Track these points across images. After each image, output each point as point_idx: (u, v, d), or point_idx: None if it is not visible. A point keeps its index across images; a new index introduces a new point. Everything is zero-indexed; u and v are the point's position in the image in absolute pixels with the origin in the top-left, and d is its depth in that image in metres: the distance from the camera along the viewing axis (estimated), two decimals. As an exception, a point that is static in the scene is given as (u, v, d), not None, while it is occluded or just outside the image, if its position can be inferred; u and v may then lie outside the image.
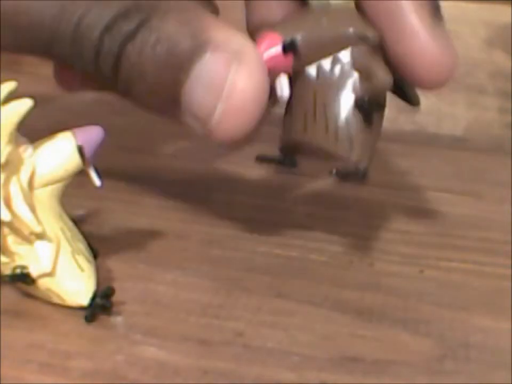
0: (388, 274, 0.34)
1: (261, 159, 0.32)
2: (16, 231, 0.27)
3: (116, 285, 0.30)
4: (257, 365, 0.26)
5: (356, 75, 0.30)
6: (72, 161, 0.28)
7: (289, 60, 0.29)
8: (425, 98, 0.57)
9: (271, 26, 0.30)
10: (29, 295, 0.29)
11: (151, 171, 0.44)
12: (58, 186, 0.28)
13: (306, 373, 0.26)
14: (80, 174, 0.29)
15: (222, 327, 0.28)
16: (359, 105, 0.30)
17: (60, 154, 0.28)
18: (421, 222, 0.39)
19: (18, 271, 0.28)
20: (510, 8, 0.55)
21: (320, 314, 0.30)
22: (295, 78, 0.30)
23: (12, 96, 0.27)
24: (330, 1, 0.31)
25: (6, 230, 0.27)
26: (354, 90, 0.30)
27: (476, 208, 0.42)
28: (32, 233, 0.27)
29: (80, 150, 0.28)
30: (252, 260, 0.33)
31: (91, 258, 0.29)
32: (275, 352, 0.27)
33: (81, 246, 0.29)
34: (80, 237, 0.30)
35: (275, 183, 0.40)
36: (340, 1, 0.31)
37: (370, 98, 0.29)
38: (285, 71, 0.30)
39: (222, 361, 0.26)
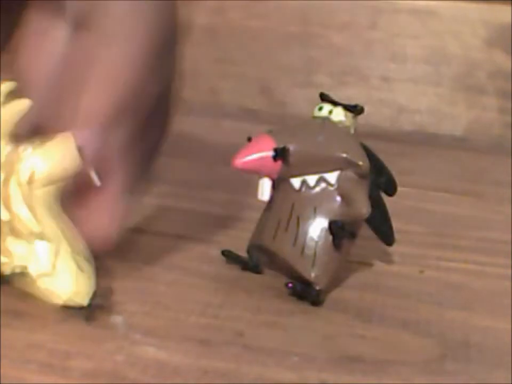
0: (388, 274, 0.34)
1: (227, 255, 0.33)
2: (15, 231, 0.27)
3: (116, 285, 0.31)
4: (257, 365, 0.26)
5: (337, 199, 0.31)
6: (72, 161, 0.28)
7: (277, 165, 0.30)
8: (425, 98, 0.57)
9: (269, 130, 0.31)
10: (29, 295, 0.29)
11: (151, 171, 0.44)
12: (58, 186, 0.28)
13: (306, 373, 0.26)
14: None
15: (222, 327, 0.28)
16: (332, 228, 0.30)
17: (60, 154, 0.28)
18: (421, 222, 0.39)
19: (17, 271, 0.28)
20: (510, 8, 0.55)
21: (320, 314, 0.30)
22: (278, 184, 0.31)
23: (12, 96, 0.27)
24: (332, 118, 0.31)
25: (5, 229, 0.27)
26: (331, 213, 0.30)
27: (476, 208, 0.42)
28: (31, 233, 0.27)
29: (80, 150, 0.28)
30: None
31: (90, 259, 0.29)
32: (275, 352, 0.27)
33: (81, 246, 0.29)
34: (80, 237, 0.30)
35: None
36: (341, 120, 0.31)
37: (345, 225, 0.30)
38: (271, 175, 0.30)
39: (222, 361, 0.26)
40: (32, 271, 0.28)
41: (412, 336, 0.29)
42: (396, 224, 0.33)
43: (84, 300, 0.28)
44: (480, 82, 0.56)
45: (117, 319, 0.28)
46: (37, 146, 0.28)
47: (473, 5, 0.56)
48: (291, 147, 0.30)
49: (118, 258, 0.33)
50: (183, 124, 0.54)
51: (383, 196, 0.33)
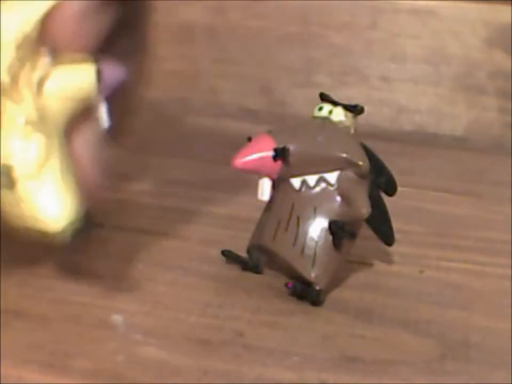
0: (388, 274, 0.34)
1: (227, 255, 0.33)
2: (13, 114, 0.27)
3: (116, 285, 0.31)
4: (257, 365, 0.26)
5: (337, 199, 0.31)
6: (88, 81, 0.28)
7: (277, 165, 0.30)
8: (425, 98, 0.57)
9: (269, 130, 0.31)
10: (29, 296, 0.29)
11: (151, 171, 0.44)
12: (68, 105, 0.28)
13: (306, 373, 0.26)
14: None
15: (222, 327, 0.28)
16: (332, 228, 0.30)
17: (78, 71, 0.28)
18: (421, 222, 0.39)
19: (3, 171, 0.27)
20: (510, 8, 0.55)
21: (320, 314, 0.30)
22: (278, 184, 0.31)
23: None
24: (332, 118, 0.32)
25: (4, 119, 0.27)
26: (331, 213, 0.30)
27: (476, 208, 0.42)
28: (28, 121, 0.27)
29: (99, 74, 0.28)
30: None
31: (78, 201, 0.28)
32: (275, 352, 0.27)
33: (70, 178, 0.28)
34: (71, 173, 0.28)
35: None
36: (341, 120, 0.31)
37: (345, 225, 0.30)
38: (271, 175, 0.30)
39: (222, 361, 0.26)
40: (18, 170, 0.27)
41: (412, 336, 0.29)
42: (396, 224, 0.33)
43: (59, 225, 0.27)
44: (480, 82, 0.56)
45: (117, 319, 0.28)
46: (57, 58, 0.28)
47: (473, 5, 0.56)
48: (291, 147, 0.30)
49: (118, 258, 0.33)
50: (183, 123, 0.54)
51: (383, 195, 0.33)
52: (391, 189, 0.33)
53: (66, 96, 0.28)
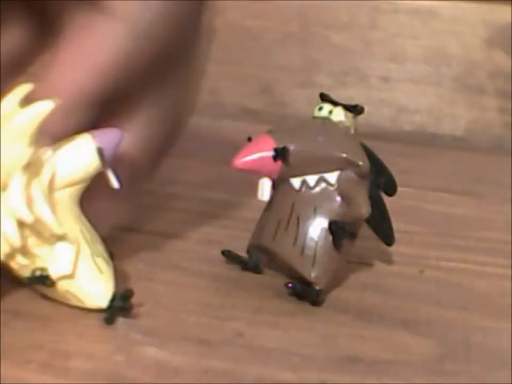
0: (388, 274, 0.34)
1: (227, 255, 0.33)
2: (37, 233, 0.27)
3: (116, 285, 0.30)
4: (257, 365, 0.26)
5: (337, 199, 0.31)
6: (92, 163, 0.28)
7: (277, 165, 0.30)
8: (425, 98, 0.57)
9: (269, 130, 0.31)
10: (29, 296, 0.29)
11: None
12: (78, 188, 0.28)
13: (306, 373, 0.26)
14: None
15: (222, 327, 0.28)
16: (332, 229, 0.30)
17: (80, 156, 0.28)
18: (421, 222, 0.39)
19: (38, 273, 0.28)
20: (510, 8, 0.55)
21: (320, 314, 0.30)
22: (278, 184, 0.31)
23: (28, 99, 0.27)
24: (332, 118, 0.32)
25: (27, 231, 0.27)
26: (331, 213, 0.30)
27: (476, 208, 0.42)
28: (52, 235, 0.27)
29: (100, 152, 0.28)
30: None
31: (109, 260, 0.29)
32: (275, 352, 0.27)
33: (100, 247, 0.29)
34: (98, 238, 0.29)
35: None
36: (341, 120, 0.31)
37: (345, 225, 0.30)
38: (270, 175, 0.30)
39: (222, 361, 0.26)
40: (52, 273, 0.28)
41: (412, 336, 0.29)
42: (396, 224, 0.33)
43: (103, 302, 0.28)
44: (480, 82, 0.56)
45: (117, 319, 0.28)
46: (57, 148, 0.28)
47: (473, 5, 0.56)
48: (291, 147, 0.30)
49: (118, 258, 0.33)
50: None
51: (383, 195, 0.33)
52: (391, 189, 0.33)
53: (74, 183, 0.28)
